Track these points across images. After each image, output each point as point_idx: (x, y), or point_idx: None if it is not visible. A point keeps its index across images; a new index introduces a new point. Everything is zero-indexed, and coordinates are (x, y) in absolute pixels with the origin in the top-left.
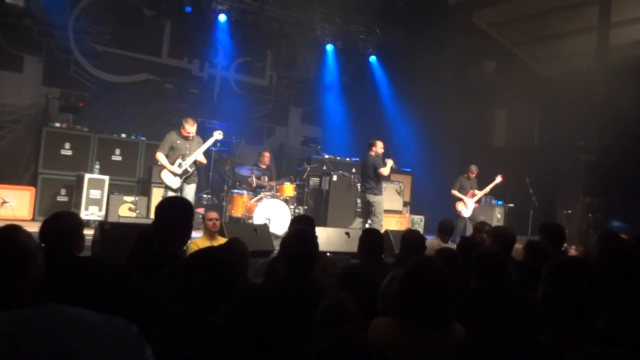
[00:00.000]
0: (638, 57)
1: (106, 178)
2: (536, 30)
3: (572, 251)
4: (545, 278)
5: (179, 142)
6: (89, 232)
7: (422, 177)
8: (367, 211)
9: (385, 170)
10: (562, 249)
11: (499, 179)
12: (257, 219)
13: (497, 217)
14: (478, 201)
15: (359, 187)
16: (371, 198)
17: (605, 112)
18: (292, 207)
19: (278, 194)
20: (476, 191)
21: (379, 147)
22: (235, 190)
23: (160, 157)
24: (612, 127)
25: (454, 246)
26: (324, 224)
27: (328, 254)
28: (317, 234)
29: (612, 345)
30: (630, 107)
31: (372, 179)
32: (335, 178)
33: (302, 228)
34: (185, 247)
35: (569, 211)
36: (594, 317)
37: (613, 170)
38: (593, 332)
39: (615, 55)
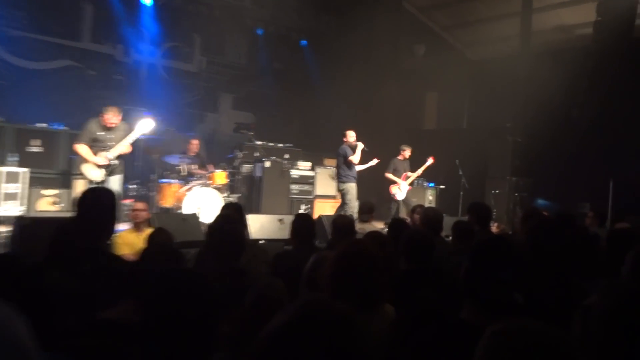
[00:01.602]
0: (560, 41)
1: (25, 170)
2: (464, 14)
3: (494, 229)
4: (469, 256)
5: (101, 132)
6: (6, 229)
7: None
8: (341, 199)
9: (354, 158)
10: (489, 228)
11: (430, 161)
12: (188, 209)
13: (429, 199)
14: (411, 183)
15: (291, 173)
16: (340, 185)
17: (530, 95)
18: (224, 195)
19: (209, 182)
20: (409, 173)
21: (349, 136)
22: (164, 180)
23: (81, 148)
24: (537, 109)
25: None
26: (257, 211)
27: (261, 241)
28: (249, 221)
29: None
30: (554, 89)
31: (342, 167)
32: (268, 164)
33: (227, 214)
34: (109, 241)
35: (497, 191)
36: (512, 292)
37: (538, 151)
38: (511, 307)
39: (539, 39)
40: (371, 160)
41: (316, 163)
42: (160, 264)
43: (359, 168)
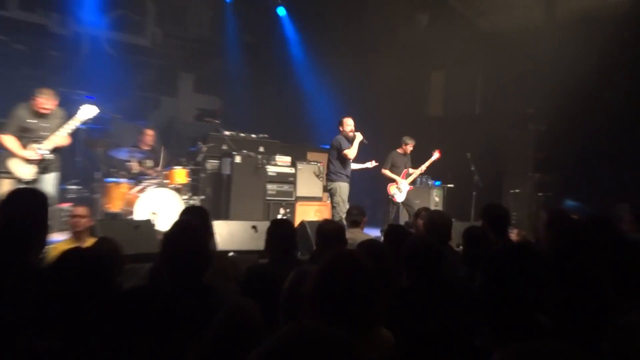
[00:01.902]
0: (591, 8)
1: None
2: None
3: (513, 236)
4: (483, 269)
5: (32, 120)
6: None
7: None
8: (330, 200)
9: (350, 152)
10: (507, 234)
11: (436, 155)
12: (140, 214)
13: (434, 200)
14: (413, 182)
15: (267, 170)
16: (329, 184)
17: (555, 74)
18: (184, 197)
19: (166, 181)
20: (410, 170)
21: (346, 125)
22: (111, 179)
23: (7, 140)
24: (565, 91)
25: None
26: (225, 216)
27: (231, 253)
28: (216, 229)
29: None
30: (584, 67)
31: (333, 162)
32: (238, 160)
33: (186, 220)
34: (41, 255)
35: (517, 190)
36: (535, 313)
37: (566, 142)
38: (534, 331)
39: (565, 6)
40: (369, 161)
41: (298, 157)
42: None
43: (353, 166)
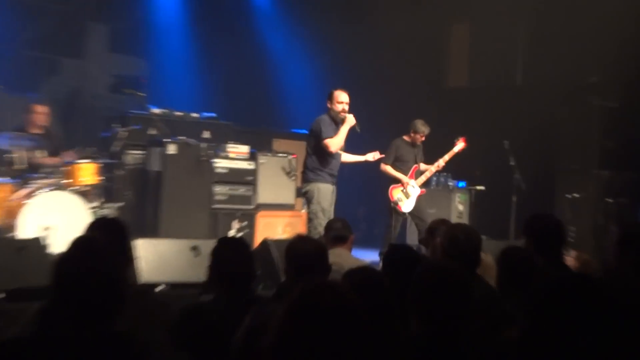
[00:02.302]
0: None
1: None
2: None
3: (570, 261)
4: (527, 311)
5: None
6: None
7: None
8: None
9: (333, 141)
10: (561, 259)
11: (460, 145)
12: (26, 230)
13: (457, 209)
14: (426, 183)
15: (215, 165)
16: (305, 186)
17: (629, 33)
18: (93, 204)
19: (67, 181)
20: (422, 166)
21: (338, 100)
22: None
23: None
24: None
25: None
26: (153, 232)
27: (160, 287)
28: (139, 251)
29: None
30: None
31: (312, 154)
32: (172, 150)
33: (91, 239)
34: None
35: (576, 195)
36: None
37: None
38: None
39: None
40: (368, 152)
41: (260, 147)
42: None
43: (345, 158)
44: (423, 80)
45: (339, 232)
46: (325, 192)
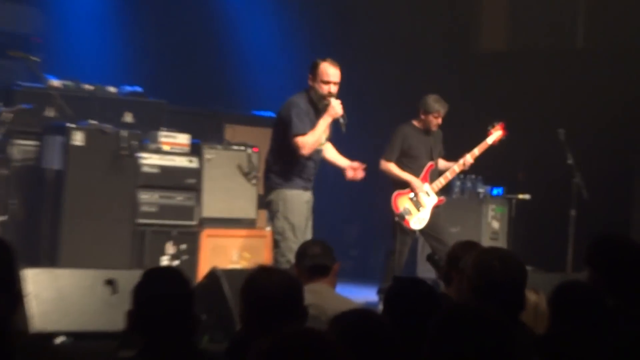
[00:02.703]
0: None
1: None
2: None
3: None
4: None
5: None
6: None
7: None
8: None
9: (306, 141)
10: None
11: (496, 135)
12: None
13: (491, 226)
14: (446, 188)
15: (141, 162)
16: (268, 194)
17: None
18: None
19: None
20: (441, 163)
21: (323, 74)
22: None
23: None
24: None
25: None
26: (51, 260)
27: (60, 338)
28: (29, 286)
29: None
30: None
31: (277, 150)
32: (79, 140)
33: None
34: None
35: None
36: None
37: None
38: None
39: None
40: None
41: (206, 136)
42: None
43: (327, 155)
44: (442, 43)
45: (317, 260)
46: (295, 202)
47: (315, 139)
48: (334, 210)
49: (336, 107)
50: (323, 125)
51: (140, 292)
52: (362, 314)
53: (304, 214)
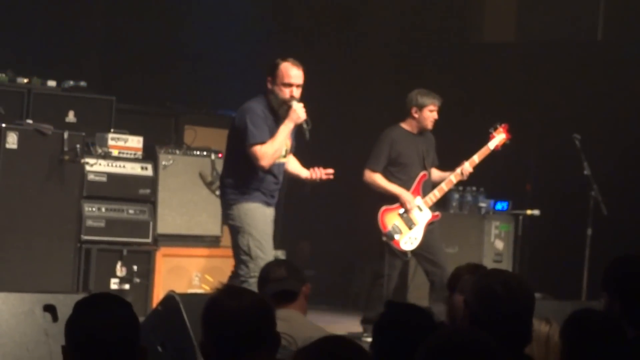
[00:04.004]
0: None
1: None
2: None
3: None
4: None
5: None
6: None
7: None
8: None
9: (265, 152)
10: None
11: (499, 139)
12: None
13: (493, 245)
14: (441, 202)
15: (86, 167)
16: (230, 210)
17: None
18: None
19: None
20: (435, 173)
21: (283, 76)
22: None
23: None
24: None
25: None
26: None
27: None
28: None
29: None
30: None
31: (233, 161)
32: (12, 142)
33: None
34: None
35: None
36: None
37: None
38: None
39: None
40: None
41: (163, 138)
42: None
43: (290, 167)
44: (438, 33)
45: (283, 285)
46: (257, 215)
47: (276, 149)
48: (296, 226)
49: (298, 110)
50: (284, 133)
51: (72, 326)
52: (342, 343)
53: (264, 232)
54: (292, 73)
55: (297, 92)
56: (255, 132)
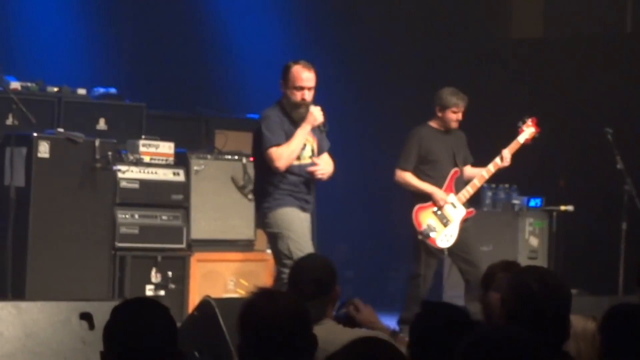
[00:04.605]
0: None
1: None
2: None
3: None
4: None
5: None
6: None
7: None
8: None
9: (281, 154)
10: None
11: (528, 132)
12: None
13: (528, 242)
14: (474, 199)
15: (119, 175)
16: (266, 219)
17: None
18: None
19: None
20: (468, 170)
21: (294, 80)
22: None
23: None
24: None
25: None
26: (16, 289)
27: None
28: None
29: None
30: None
31: (259, 172)
32: (44, 151)
33: None
34: None
35: None
36: None
37: None
38: None
39: None
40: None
41: (194, 144)
42: None
43: (314, 169)
44: (466, 30)
45: (308, 289)
46: (294, 217)
47: (291, 150)
48: (331, 228)
49: (315, 113)
50: (301, 135)
51: (111, 331)
52: (379, 345)
53: (307, 231)
54: (304, 76)
55: (308, 95)
56: (270, 135)
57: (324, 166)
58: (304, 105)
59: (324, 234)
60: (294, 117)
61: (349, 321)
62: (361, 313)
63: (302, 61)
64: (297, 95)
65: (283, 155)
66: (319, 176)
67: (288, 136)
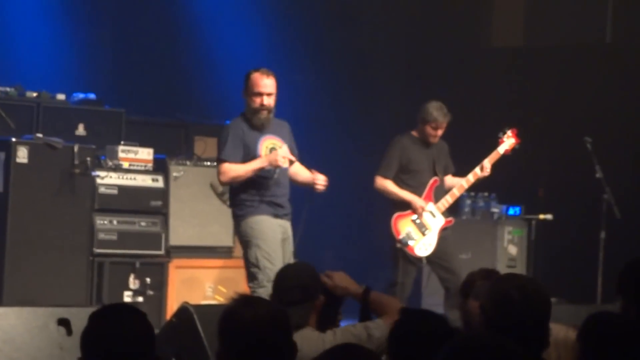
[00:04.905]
0: None
1: None
2: None
3: None
4: None
5: None
6: None
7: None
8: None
9: (228, 171)
10: None
11: (509, 143)
12: None
13: (507, 250)
14: (453, 208)
15: (97, 181)
16: (239, 227)
17: None
18: None
19: None
20: (448, 180)
21: (255, 88)
22: None
23: None
24: None
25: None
26: None
27: None
28: None
29: None
30: None
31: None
32: (23, 156)
33: None
34: None
35: None
36: None
37: None
38: None
39: None
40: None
41: (173, 150)
42: None
43: (295, 176)
44: (447, 38)
45: (293, 295)
46: (264, 226)
47: (238, 175)
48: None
49: (279, 156)
50: (253, 167)
51: (88, 337)
52: (355, 351)
53: (278, 239)
54: (262, 82)
55: (268, 100)
56: (223, 148)
57: (323, 178)
58: (263, 110)
59: (307, 240)
60: (254, 122)
61: (327, 292)
62: (334, 279)
63: (262, 68)
64: (257, 102)
65: (228, 174)
66: (321, 189)
67: (248, 146)
